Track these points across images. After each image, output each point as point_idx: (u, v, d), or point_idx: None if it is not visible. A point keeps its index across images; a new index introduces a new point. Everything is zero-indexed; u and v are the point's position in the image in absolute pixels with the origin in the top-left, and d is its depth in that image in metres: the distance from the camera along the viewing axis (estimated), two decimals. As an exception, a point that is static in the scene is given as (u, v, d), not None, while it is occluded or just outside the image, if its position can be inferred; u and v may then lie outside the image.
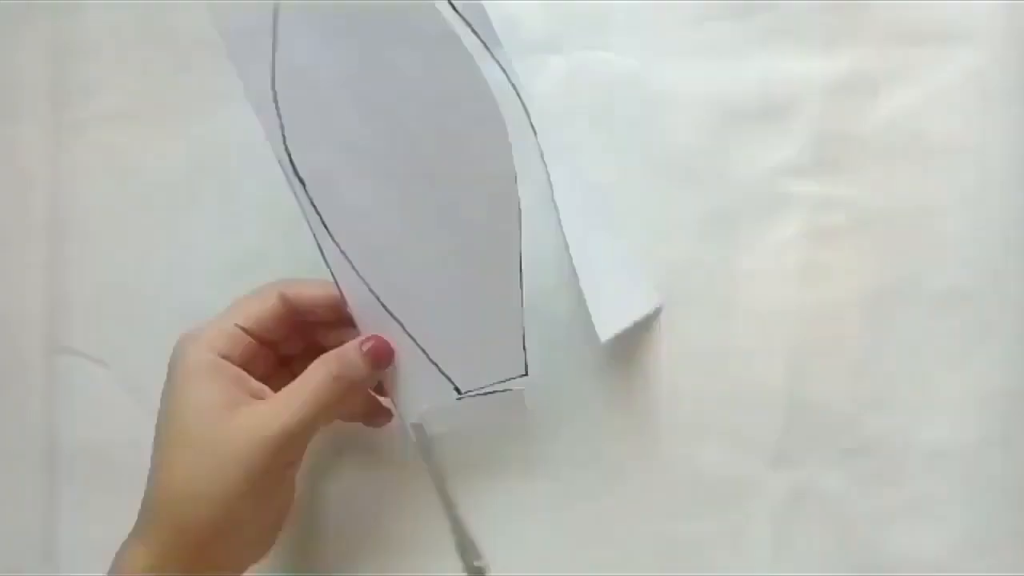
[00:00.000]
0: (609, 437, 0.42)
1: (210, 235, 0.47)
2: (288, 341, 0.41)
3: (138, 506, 0.47)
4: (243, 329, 0.39)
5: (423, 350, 0.40)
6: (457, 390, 0.40)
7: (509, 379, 0.40)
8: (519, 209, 0.38)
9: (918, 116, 0.41)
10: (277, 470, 0.38)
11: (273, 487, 0.38)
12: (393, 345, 0.40)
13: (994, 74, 0.40)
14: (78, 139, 0.48)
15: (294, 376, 0.39)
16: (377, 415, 0.43)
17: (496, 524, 0.44)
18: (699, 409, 0.42)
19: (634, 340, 0.42)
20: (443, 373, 0.40)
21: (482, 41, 0.41)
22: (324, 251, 0.39)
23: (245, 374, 0.39)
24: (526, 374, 0.40)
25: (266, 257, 0.46)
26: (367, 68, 0.38)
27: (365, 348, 0.39)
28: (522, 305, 0.39)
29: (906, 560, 0.40)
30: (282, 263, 0.46)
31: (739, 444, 0.41)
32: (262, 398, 0.39)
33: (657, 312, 0.42)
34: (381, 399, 0.43)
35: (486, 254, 0.39)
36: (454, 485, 0.44)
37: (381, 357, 0.40)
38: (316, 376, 0.38)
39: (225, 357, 0.39)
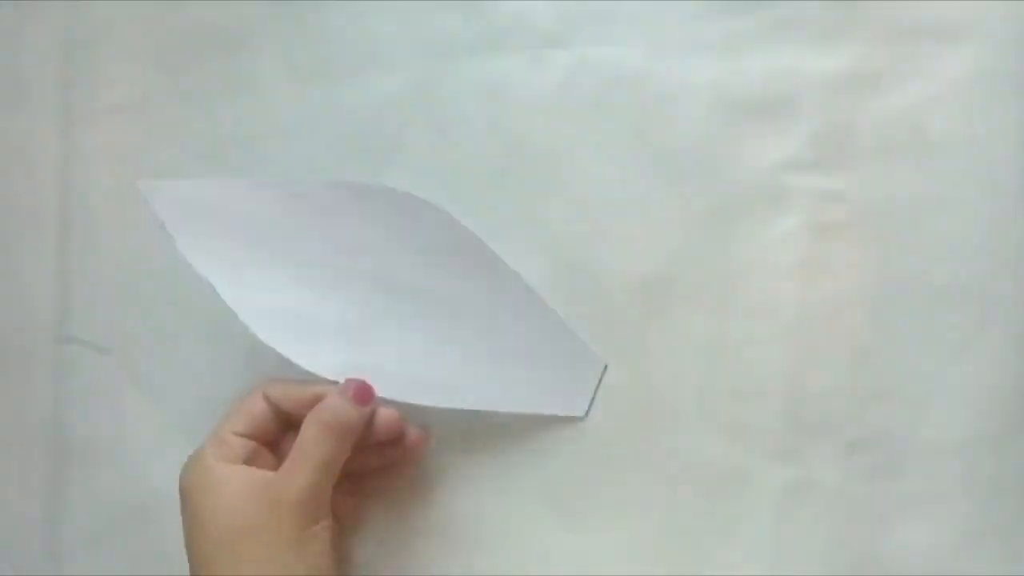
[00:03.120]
0: (609, 430, 0.43)
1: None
2: (287, 439, 0.42)
3: (141, 492, 0.48)
4: (242, 435, 0.40)
5: None
6: None
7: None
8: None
9: (919, 112, 0.41)
10: (305, 534, 0.38)
11: (306, 552, 0.38)
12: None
13: (995, 71, 0.40)
14: (88, 130, 0.49)
15: None
16: (404, 448, 0.43)
17: (492, 513, 0.44)
18: (700, 402, 0.42)
19: (633, 333, 0.43)
20: None
21: None
22: None
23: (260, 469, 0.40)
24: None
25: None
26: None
27: (349, 393, 0.40)
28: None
29: (906, 554, 0.40)
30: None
31: (739, 437, 0.41)
32: None
33: (603, 370, 0.43)
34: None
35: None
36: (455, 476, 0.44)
37: (364, 396, 0.40)
38: (309, 433, 0.39)
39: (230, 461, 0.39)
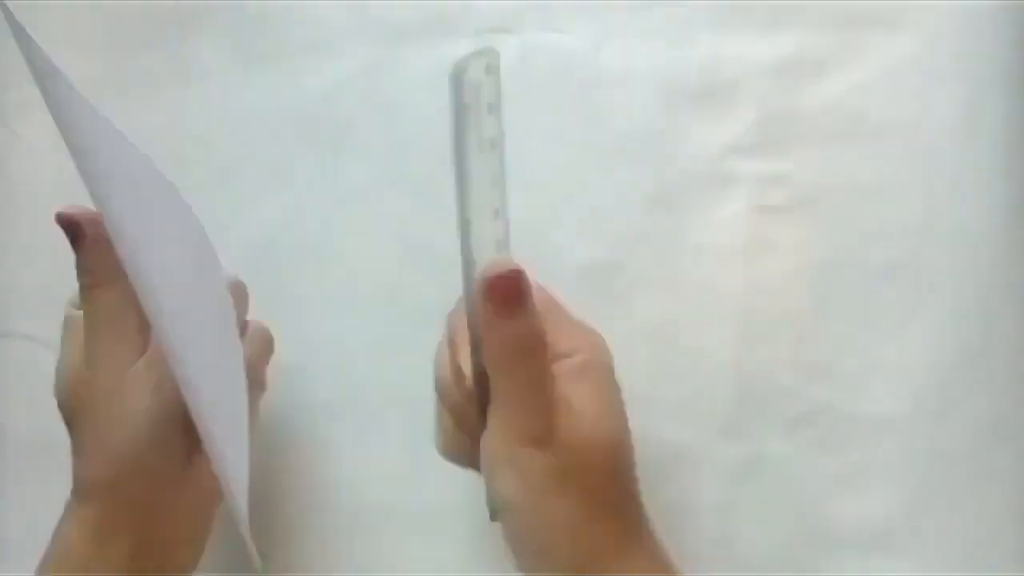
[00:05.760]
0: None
1: (161, 216, 0.47)
2: None
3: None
4: None
5: None
6: None
7: None
8: None
9: (859, 97, 0.42)
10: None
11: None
12: None
13: (931, 58, 0.42)
14: (25, 120, 0.48)
15: None
16: None
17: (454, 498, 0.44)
18: (650, 382, 0.43)
19: (585, 315, 0.43)
20: None
21: None
22: None
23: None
24: None
25: (215, 240, 0.46)
26: None
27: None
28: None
29: (850, 526, 0.41)
30: (233, 245, 0.46)
31: (689, 415, 0.42)
32: None
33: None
34: None
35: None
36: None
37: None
38: None
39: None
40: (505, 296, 0.32)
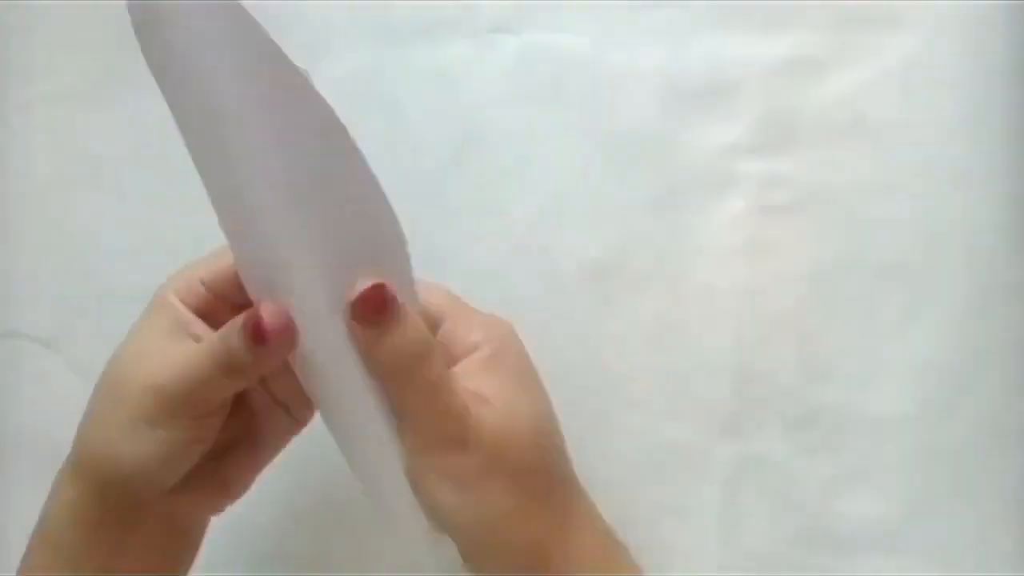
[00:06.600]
0: (560, 410, 0.43)
1: (160, 215, 0.47)
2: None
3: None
4: (203, 283, 0.36)
5: None
6: None
7: None
8: None
9: (860, 97, 0.42)
10: (164, 422, 0.33)
11: (166, 437, 0.33)
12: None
13: (932, 59, 0.42)
14: (24, 118, 0.48)
15: None
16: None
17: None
18: (650, 381, 0.43)
19: (585, 315, 0.43)
20: None
21: None
22: None
23: (192, 317, 0.35)
24: None
25: (217, 237, 0.46)
26: None
27: (246, 323, 0.32)
28: None
29: (851, 526, 0.41)
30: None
31: (688, 415, 0.42)
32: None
33: None
34: None
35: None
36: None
37: (262, 336, 0.32)
38: (204, 349, 0.33)
39: (183, 300, 0.35)
40: (374, 312, 0.32)
